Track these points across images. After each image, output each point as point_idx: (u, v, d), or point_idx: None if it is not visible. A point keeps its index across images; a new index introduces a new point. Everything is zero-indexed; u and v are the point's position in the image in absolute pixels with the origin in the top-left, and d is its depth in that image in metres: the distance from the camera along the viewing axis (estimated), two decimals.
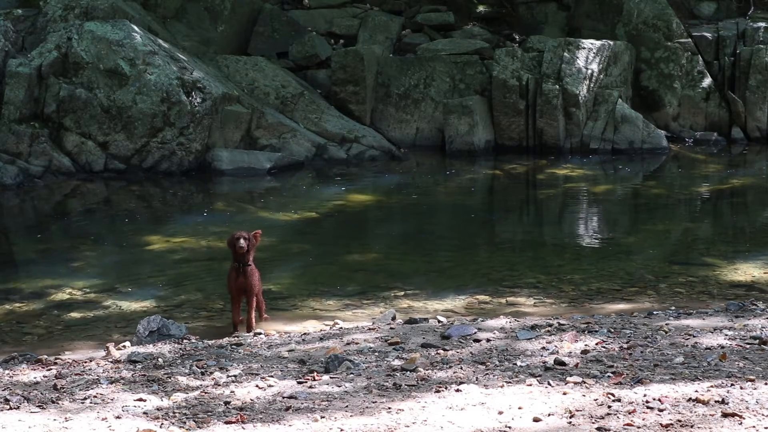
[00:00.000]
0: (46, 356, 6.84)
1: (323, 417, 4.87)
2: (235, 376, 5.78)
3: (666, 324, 6.79)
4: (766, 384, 5.20)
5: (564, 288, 9.45)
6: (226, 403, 5.19)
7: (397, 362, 5.91)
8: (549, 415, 4.82)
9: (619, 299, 9.02)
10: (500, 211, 13.89)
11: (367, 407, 5.02)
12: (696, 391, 5.09)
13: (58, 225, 13.11)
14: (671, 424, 4.62)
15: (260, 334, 7.45)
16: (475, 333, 6.56)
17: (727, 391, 5.06)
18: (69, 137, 15.36)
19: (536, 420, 4.77)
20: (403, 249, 11.32)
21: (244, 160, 15.63)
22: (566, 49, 17.21)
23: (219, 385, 5.58)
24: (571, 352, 5.96)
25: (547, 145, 17.04)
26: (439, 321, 7.50)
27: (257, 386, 5.49)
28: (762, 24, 18.49)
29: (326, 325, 7.84)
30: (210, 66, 16.96)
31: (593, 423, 4.67)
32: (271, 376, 5.69)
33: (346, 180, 15.39)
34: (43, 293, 9.56)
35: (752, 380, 5.26)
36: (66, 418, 4.96)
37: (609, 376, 5.41)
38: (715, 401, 4.91)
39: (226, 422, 4.85)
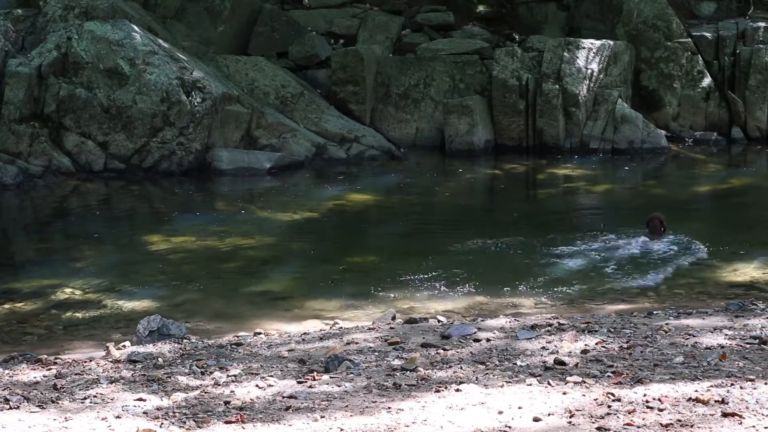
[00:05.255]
0: (46, 356, 6.84)
1: (323, 417, 4.87)
2: (235, 375, 5.78)
3: (666, 324, 6.79)
4: (766, 384, 5.20)
5: (564, 288, 9.45)
6: (226, 402, 5.19)
7: (397, 362, 5.90)
8: (549, 414, 4.82)
9: (619, 299, 9.03)
10: (500, 210, 13.89)
11: (367, 407, 5.02)
12: (696, 390, 5.09)
13: (58, 225, 13.11)
14: (671, 424, 4.62)
15: (260, 333, 7.45)
16: (475, 333, 6.56)
17: (727, 391, 5.06)
18: (69, 137, 15.36)
19: (536, 420, 4.76)
20: (403, 249, 11.32)
21: (244, 160, 15.63)
22: (566, 49, 17.21)
23: (219, 384, 5.58)
24: (571, 352, 5.96)
25: (547, 144, 17.04)
26: (439, 321, 7.49)
27: (257, 386, 5.49)
28: (762, 24, 18.49)
29: (326, 325, 7.84)
30: (210, 66, 16.96)
31: (593, 423, 4.67)
32: (271, 376, 5.69)
33: (346, 180, 15.39)
34: (43, 293, 9.56)
35: (752, 380, 5.26)
36: (66, 418, 4.95)
37: (609, 376, 5.40)
38: (715, 401, 4.91)
39: (226, 422, 4.84)
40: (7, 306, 9.17)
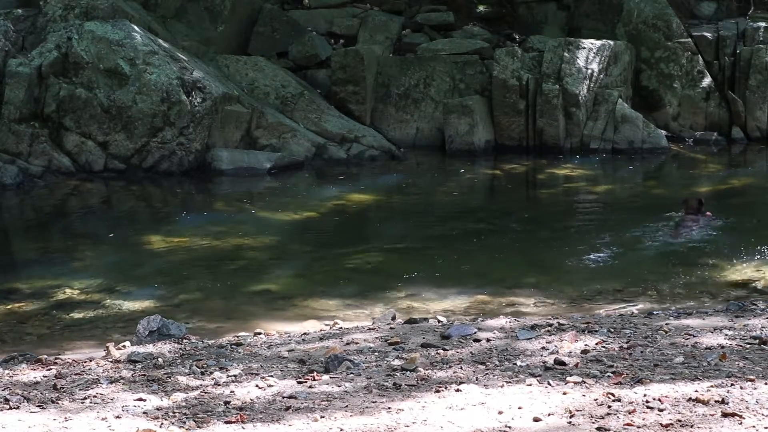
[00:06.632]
0: (46, 356, 6.84)
1: (323, 417, 4.87)
2: (235, 375, 5.78)
3: (666, 324, 6.78)
4: (766, 384, 5.20)
5: (564, 288, 9.46)
6: (226, 402, 5.19)
7: (397, 362, 5.90)
8: (549, 414, 4.82)
9: (619, 299, 9.03)
10: (500, 210, 13.89)
11: (367, 407, 5.01)
12: (696, 390, 5.09)
13: (58, 225, 13.11)
14: (671, 424, 4.62)
15: (260, 333, 7.45)
16: (475, 333, 6.55)
17: (727, 391, 5.06)
18: (69, 137, 15.37)
19: (536, 420, 4.76)
20: (403, 249, 11.32)
21: (243, 160, 15.63)
22: (566, 49, 17.21)
23: (219, 384, 5.58)
24: (571, 352, 5.96)
25: (547, 145, 17.04)
26: (439, 321, 7.49)
27: (257, 386, 5.49)
28: (762, 24, 18.49)
29: (326, 325, 7.84)
30: (210, 66, 16.96)
31: (593, 423, 4.67)
32: (271, 376, 5.69)
33: (346, 180, 15.40)
34: (43, 293, 9.56)
35: (752, 380, 5.26)
36: (66, 418, 4.95)
37: (609, 376, 5.40)
38: (715, 401, 4.91)
39: (226, 422, 4.84)
40: (7, 306, 9.17)
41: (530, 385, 5.30)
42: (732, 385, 5.18)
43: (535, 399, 5.05)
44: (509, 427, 4.68)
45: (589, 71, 17.16)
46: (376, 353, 6.18)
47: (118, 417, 4.97)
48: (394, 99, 17.74)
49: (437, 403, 5.03)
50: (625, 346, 6.10)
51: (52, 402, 5.30)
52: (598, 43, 17.42)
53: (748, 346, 6.08)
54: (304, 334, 7.15)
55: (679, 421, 4.66)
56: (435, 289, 9.46)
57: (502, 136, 17.26)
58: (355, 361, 5.89)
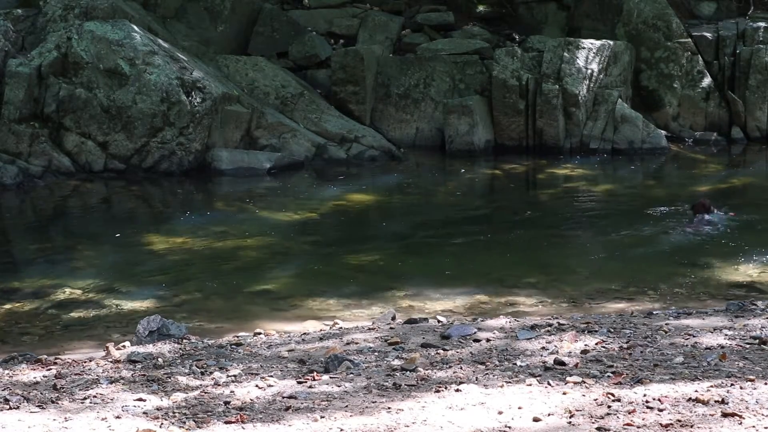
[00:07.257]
0: (46, 356, 6.84)
1: (323, 417, 4.87)
2: (234, 375, 5.78)
3: (666, 324, 6.79)
4: (766, 384, 5.20)
5: (564, 288, 9.46)
6: (226, 402, 5.19)
7: (396, 362, 5.90)
8: (549, 415, 4.82)
9: (619, 299, 9.03)
10: (500, 211, 13.89)
11: (366, 407, 5.02)
12: (696, 391, 5.09)
13: (58, 225, 13.11)
14: (671, 424, 4.62)
15: (260, 334, 7.45)
16: (475, 333, 6.56)
17: (727, 391, 5.06)
18: (69, 137, 15.37)
19: (536, 420, 4.77)
20: (403, 249, 11.32)
21: (243, 160, 15.63)
22: (566, 49, 17.21)
23: (219, 384, 5.58)
24: (570, 352, 5.96)
25: (547, 145, 17.04)
26: (439, 321, 7.49)
27: (257, 386, 5.49)
28: (762, 24, 18.49)
29: (326, 325, 7.84)
30: (210, 66, 16.96)
31: (593, 423, 4.67)
32: (271, 376, 5.69)
33: (346, 180, 15.40)
34: (43, 293, 9.56)
35: (752, 380, 5.26)
36: (66, 418, 4.95)
37: (609, 376, 5.40)
38: (715, 401, 4.91)
39: (226, 422, 4.85)
40: (7, 306, 9.17)
41: (530, 385, 5.30)
42: (732, 385, 5.18)
43: (535, 399, 5.05)
44: (509, 427, 4.68)
45: (589, 71, 17.16)
46: (376, 353, 6.18)
47: (118, 417, 4.97)
48: (394, 99, 17.74)
49: (437, 403, 5.03)
50: (625, 346, 6.10)
51: (52, 402, 5.30)
52: (598, 43, 17.42)
53: (748, 346, 6.08)
54: (304, 334, 7.15)
55: (679, 421, 4.66)
56: (435, 289, 9.46)
57: (502, 136, 17.26)
58: (355, 361, 5.89)
